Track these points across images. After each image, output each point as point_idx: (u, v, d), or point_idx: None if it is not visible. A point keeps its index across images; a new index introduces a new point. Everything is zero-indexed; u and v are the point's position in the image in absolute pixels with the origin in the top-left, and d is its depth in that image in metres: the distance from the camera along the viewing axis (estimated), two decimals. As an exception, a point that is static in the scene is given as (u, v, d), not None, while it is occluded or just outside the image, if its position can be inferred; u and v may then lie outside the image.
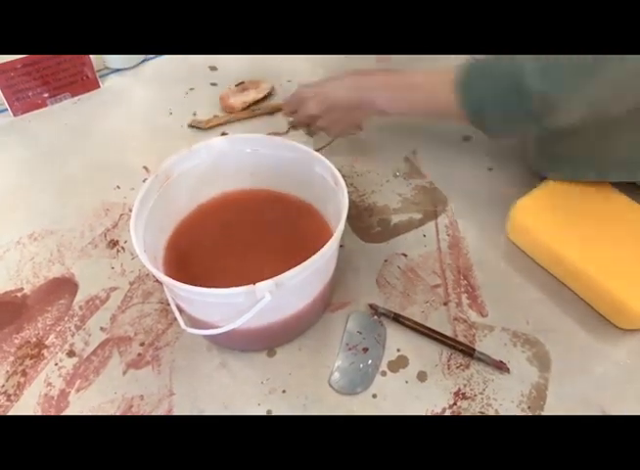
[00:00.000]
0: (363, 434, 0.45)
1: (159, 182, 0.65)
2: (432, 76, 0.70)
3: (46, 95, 0.98)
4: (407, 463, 0.42)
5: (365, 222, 0.79)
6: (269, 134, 0.72)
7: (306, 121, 0.81)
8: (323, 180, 0.66)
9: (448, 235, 0.77)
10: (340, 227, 0.59)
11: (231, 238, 0.70)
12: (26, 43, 0.56)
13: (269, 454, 0.43)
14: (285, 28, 0.58)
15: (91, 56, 0.99)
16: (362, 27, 0.61)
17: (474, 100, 0.65)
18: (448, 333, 0.67)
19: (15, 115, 0.97)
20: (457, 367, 0.65)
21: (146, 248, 0.60)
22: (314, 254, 0.56)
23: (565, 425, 0.44)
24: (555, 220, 0.70)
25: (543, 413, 0.61)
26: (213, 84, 1.03)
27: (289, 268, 0.55)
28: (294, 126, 0.91)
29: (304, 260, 0.56)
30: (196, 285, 0.55)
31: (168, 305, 0.70)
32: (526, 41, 0.56)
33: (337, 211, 0.63)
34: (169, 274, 0.58)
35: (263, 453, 0.43)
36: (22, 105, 0.97)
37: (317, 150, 0.67)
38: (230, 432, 0.45)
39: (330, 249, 0.57)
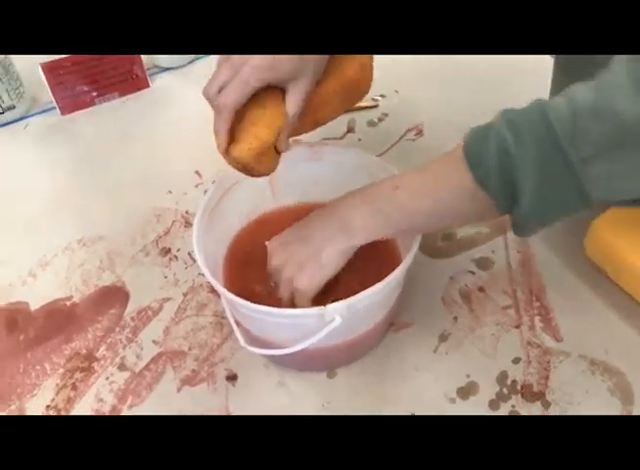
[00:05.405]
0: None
1: (221, 190, 0.62)
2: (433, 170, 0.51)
3: (94, 94, 0.96)
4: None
5: (429, 237, 0.74)
6: (323, 139, 0.68)
7: None
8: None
9: (518, 252, 0.72)
10: (413, 249, 0.56)
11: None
12: (74, 43, 0.53)
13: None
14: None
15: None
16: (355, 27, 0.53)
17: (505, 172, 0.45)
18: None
19: (62, 113, 0.95)
20: (531, 396, 0.60)
21: (206, 260, 0.57)
22: (378, 270, 0.54)
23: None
24: (640, 236, 0.65)
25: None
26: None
27: (351, 285, 0.53)
28: None
29: (367, 277, 0.53)
30: (256, 300, 0.53)
31: (223, 317, 0.67)
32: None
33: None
34: (228, 288, 0.55)
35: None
36: (71, 103, 0.95)
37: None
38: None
39: (402, 271, 0.54)
